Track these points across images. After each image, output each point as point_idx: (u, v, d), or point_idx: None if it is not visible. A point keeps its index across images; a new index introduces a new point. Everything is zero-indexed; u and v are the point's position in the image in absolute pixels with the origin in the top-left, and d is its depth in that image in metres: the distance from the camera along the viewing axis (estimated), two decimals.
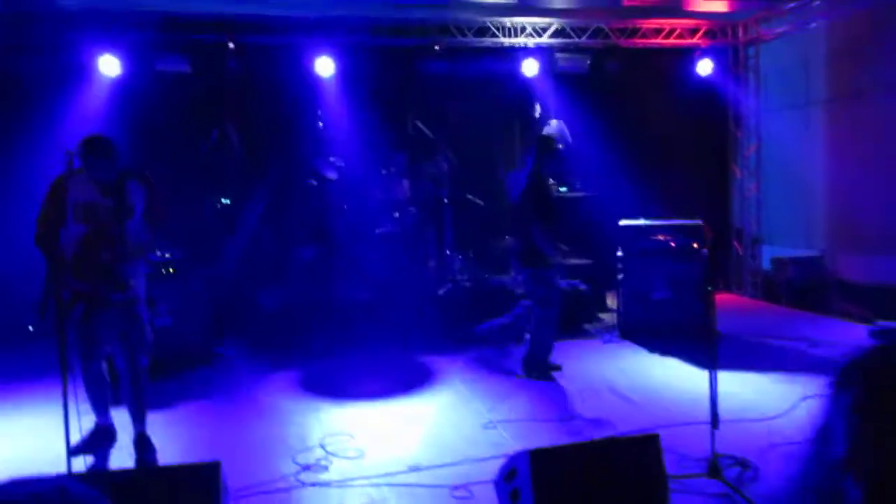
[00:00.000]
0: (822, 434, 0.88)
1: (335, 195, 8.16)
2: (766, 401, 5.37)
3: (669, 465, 3.87)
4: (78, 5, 7.71)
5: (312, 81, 8.61)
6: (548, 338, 6.26)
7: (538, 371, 6.24)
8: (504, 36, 9.20)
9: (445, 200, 8.15)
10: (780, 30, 9.44)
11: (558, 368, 6.33)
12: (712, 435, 4.02)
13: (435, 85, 8.96)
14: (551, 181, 6.28)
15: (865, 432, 0.81)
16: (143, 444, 4.58)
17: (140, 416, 4.60)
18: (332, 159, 8.03)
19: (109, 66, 7.97)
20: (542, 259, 6.04)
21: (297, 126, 8.47)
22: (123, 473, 4.01)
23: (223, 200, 7.81)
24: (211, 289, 7.12)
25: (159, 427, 5.09)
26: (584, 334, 7.74)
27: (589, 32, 9.39)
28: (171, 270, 6.72)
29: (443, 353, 7.10)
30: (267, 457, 4.61)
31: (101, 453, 4.69)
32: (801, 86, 9.57)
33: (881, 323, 7.22)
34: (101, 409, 4.78)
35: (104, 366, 4.73)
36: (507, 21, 9.13)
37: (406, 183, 8.39)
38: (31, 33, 7.94)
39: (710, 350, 4.09)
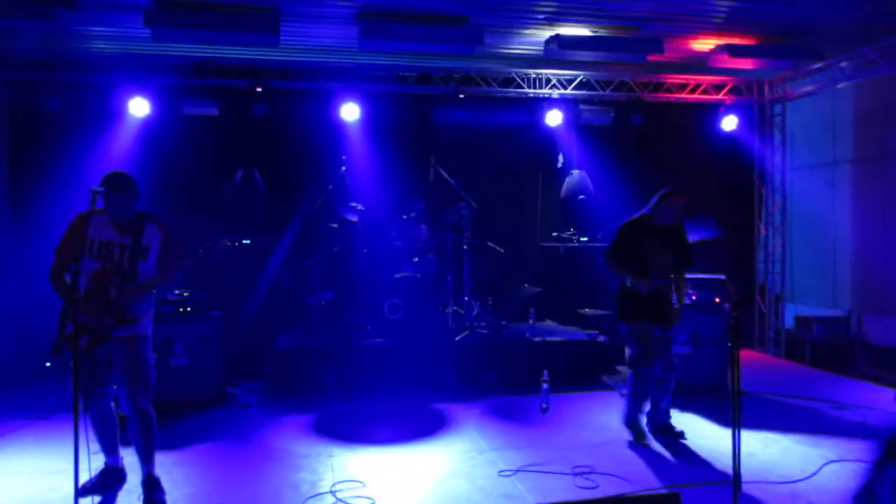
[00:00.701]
0: (866, 499, 0.84)
1: (355, 239, 8.18)
2: (789, 463, 5.21)
3: None
4: (112, 50, 7.92)
5: (337, 126, 8.72)
6: (636, 396, 5.81)
7: (632, 430, 5.83)
8: (529, 87, 9.30)
9: (465, 247, 8.12)
10: (806, 89, 9.45)
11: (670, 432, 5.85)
12: (734, 496, 3.89)
13: (458, 133, 9.03)
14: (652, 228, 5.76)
15: None
16: (151, 486, 4.51)
17: (148, 457, 4.54)
18: (353, 204, 8.06)
19: (139, 107, 8.14)
20: (627, 311, 5.74)
21: (320, 170, 8.54)
22: None
23: (244, 241, 7.86)
24: (227, 330, 7.12)
25: (169, 468, 5.04)
26: (603, 386, 7.61)
27: (613, 85, 9.47)
28: (187, 309, 6.73)
29: (458, 400, 6.99)
30: (276, 502, 4.52)
31: (109, 494, 4.63)
32: (827, 145, 9.55)
33: None
34: (109, 448, 4.74)
35: (112, 405, 4.69)
36: (532, 72, 9.23)
37: (426, 228, 8.40)
38: (66, 75, 8.15)
39: (733, 408, 3.98)
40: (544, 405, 6.63)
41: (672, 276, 5.77)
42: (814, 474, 4.96)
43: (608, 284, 8.51)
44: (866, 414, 6.54)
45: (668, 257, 5.72)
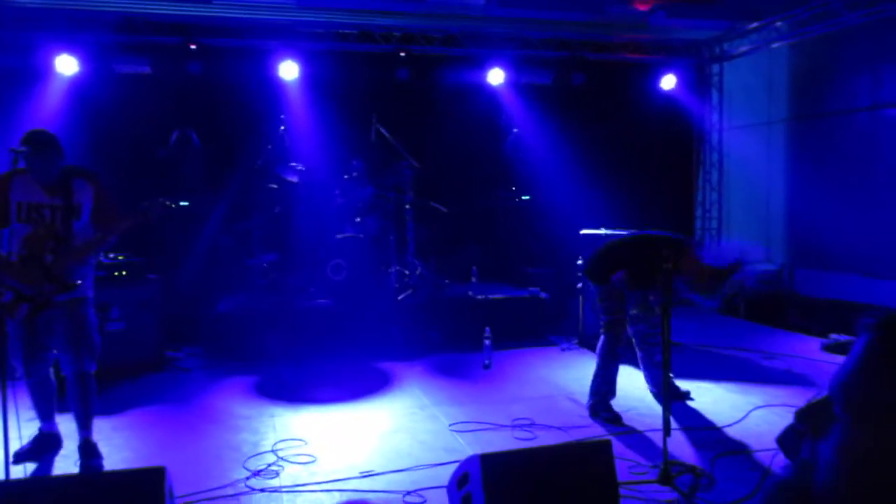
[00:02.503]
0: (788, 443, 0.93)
1: (296, 200, 8.08)
2: (720, 410, 5.41)
3: (622, 471, 3.88)
4: (37, 4, 7.57)
5: (276, 85, 8.55)
6: (607, 366, 5.39)
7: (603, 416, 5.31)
8: (471, 46, 9.23)
9: (407, 207, 8.11)
10: (743, 49, 9.61)
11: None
12: (664, 442, 4.03)
13: (400, 92, 8.95)
14: None
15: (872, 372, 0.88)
16: (88, 451, 4.45)
17: (86, 422, 4.47)
18: (293, 164, 7.95)
19: (67, 66, 7.82)
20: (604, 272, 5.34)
21: (259, 130, 8.37)
22: (65, 479, 3.90)
23: (181, 203, 7.68)
24: (166, 294, 7.00)
25: (108, 433, 4.99)
26: (545, 342, 7.75)
27: (555, 45, 9.46)
28: (123, 273, 6.58)
29: (401, 359, 7.05)
30: (217, 462, 4.52)
31: (45, 460, 4.56)
32: (763, 104, 9.75)
33: (835, 336, 7.34)
34: (45, 414, 4.66)
35: (50, 371, 4.60)
36: (475, 31, 9.16)
37: (368, 189, 8.35)
38: None
39: (664, 358, 4.11)
40: (487, 361, 6.73)
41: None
42: (741, 419, 5.17)
43: (550, 243, 8.66)
44: (793, 363, 6.83)
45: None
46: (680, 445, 4.62)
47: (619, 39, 9.63)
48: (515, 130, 9.74)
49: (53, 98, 7.93)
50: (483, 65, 9.23)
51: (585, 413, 5.38)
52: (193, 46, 8.22)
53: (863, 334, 0.99)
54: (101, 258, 6.39)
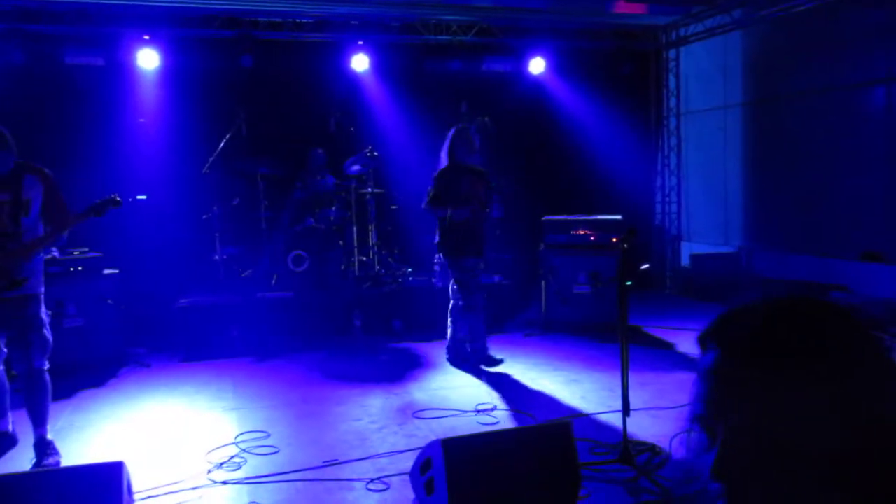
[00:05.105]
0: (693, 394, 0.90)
1: (256, 191, 7.99)
2: (678, 389, 5.49)
3: (582, 452, 3.93)
4: None
5: (238, 75, 8.45)
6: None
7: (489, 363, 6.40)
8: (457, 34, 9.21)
9: (369, 196, 8.07)
10: (699, 34, 9.71)
11: None
12: (624, 422, 4.09)
13: (359, 82, 8.90)
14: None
15: (717, 394, 0.84)
16: (44, 449, 4.37)
17: (41, 420, 4.39)
18: (253, 155, 7.86)
19: None
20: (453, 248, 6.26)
21: (217, 122, 8.23)
22: (20, 476, 3.82)
23: (139, 197, 7.55)
24: (126, 289, 6.89)
25: (67, 431, 4.91)
26: (507, 328, 7.79)
27: (511, 32, 9.45)
28: (79, 269, 6.45)
29: (366, 349, 7.05)
30: (178, 456, 4.47)
31: None
32: (719, 89, 9.87)
33: None
34: None
35: (1, 368, 4.51)
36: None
37: (330, 179, 8.30)
38: None
39: (621, 339, 4.16)
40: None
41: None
42: None
43: (511, 228, 8.69)
44: None
45: (479, 193, 6.19)
46: (639, 425, 4.68)
47: (576, 26, 9.64)
48: (486, 117, 9.63)
49: None
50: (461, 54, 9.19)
51: (548, 396, 5.44)
52: (148, 37, 8.05)
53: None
54: (56, 254, 6.27)
